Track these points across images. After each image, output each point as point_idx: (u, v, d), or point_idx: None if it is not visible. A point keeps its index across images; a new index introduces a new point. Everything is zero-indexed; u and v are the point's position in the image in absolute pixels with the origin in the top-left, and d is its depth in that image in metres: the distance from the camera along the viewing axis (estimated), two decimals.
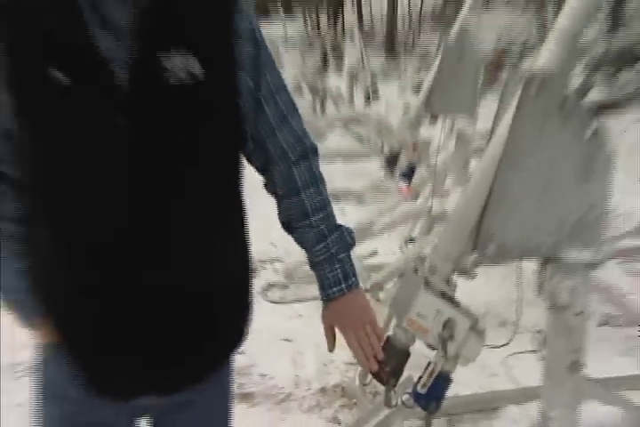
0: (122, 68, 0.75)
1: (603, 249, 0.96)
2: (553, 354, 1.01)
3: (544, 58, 0.97)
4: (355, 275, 0.94)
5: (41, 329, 0.88)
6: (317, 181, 0.94)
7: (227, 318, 0.92)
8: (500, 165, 0.96)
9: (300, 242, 0.95)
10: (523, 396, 1.84)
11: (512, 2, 8.25)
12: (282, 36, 9.78)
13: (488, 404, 1.90)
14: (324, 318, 0.96)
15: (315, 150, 0.95)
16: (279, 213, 0.96)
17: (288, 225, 0.95)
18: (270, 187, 0.96)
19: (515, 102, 0.95)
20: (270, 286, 2.81)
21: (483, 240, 0.98)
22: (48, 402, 0.95)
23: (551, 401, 1.01)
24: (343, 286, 0.92)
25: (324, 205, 0.93)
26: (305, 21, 12.19)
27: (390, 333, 1.04)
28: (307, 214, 0.91)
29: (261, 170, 0.95)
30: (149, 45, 0.76)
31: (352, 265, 0.95)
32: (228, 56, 0.81)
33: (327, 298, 0.93)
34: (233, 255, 0.92)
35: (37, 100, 0.77)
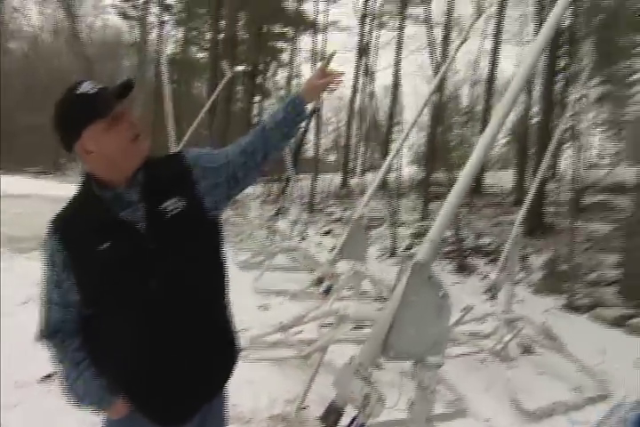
0: (142, 220, 1.36)
1: (444, 357, 1.64)
2: (416, 411, 1.64)
3: (422, 253, 1.64)
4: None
5: (115, 408, 1.41)
6: (257, 136, 1.52)
7: (229, 354, 1.57)
8: (397, 308, 1.57)
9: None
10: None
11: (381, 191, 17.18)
12: (252, 193, 15.76)
13: None
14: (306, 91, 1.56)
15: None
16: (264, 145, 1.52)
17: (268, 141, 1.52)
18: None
19: (405, 276, 1.60)
20: None
21: (387, 349, 1.56)
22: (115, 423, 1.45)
23: None
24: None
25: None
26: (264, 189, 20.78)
27: (332, 399, 1.69)
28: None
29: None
30: (153, 203, 1.38)
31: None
32: (194, 191, 1.42)
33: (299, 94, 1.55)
34: (229, 317, 1.56)
35: (95, 264, 1.33)
